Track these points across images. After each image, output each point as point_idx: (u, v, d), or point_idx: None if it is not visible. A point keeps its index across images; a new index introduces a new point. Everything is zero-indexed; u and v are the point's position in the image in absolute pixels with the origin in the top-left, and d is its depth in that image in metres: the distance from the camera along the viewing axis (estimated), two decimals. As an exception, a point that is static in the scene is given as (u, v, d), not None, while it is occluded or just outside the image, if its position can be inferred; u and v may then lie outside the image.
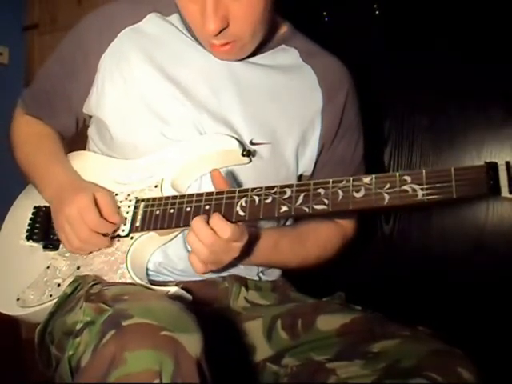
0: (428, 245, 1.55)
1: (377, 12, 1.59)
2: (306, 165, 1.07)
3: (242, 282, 1.01)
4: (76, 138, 1.18)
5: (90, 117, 1.10)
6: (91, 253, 0.95)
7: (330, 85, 1.07)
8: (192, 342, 0.64)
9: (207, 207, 0.88)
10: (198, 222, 0.84)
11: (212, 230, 0.84)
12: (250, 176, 1.00)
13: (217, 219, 0.84)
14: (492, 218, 1.48)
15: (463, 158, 1.50)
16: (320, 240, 1.07)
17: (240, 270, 1.02)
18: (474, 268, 1.47)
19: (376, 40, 1.59)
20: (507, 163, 0.71)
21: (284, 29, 1.08)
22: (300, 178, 1.09)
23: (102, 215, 0.91)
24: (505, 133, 1.45)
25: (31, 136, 1.11)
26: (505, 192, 0.71)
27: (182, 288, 0.88)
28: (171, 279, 0.97)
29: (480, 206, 1.49)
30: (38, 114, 1.13)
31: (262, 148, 1.00)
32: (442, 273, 1.52)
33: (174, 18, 1.04)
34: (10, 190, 1.17)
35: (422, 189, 0.74)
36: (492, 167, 0.71)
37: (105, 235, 0.92)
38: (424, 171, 0.75)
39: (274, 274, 1.09)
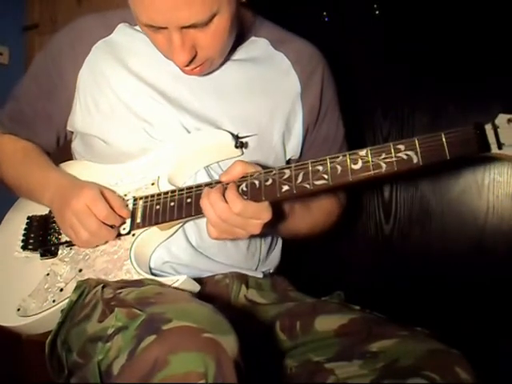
0: (428, 245, 1.55)
1: (377, 12, 1.59)
2: (294, 149, 1.09)
3: (243, 279, 1.01)
4: (59, 155, 1.16)
5: (72, 132, 1.10)
6: (97, 246, 0.95)
7: (304, 68, 1.09)
8: (230, 344, 0.65)
9: None
10: (213, 194, 0.85)
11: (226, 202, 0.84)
12: None
13: (231, 193, 0.85)
14: (492, 218, 1.48)
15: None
16: (323, 207, 1.11)
17: (241, 264, 1.02)
18: (473, 268, 1.48)
19: (376, 40, 1.59)
20: (493, 123, 0.76)
21: (251, 19, 1.08)
22: (288, 162, 1.10)
23: (110, 207, 0.93)
24: (505, 133, 1.45)
25: (16, 151, 1.09)
26: (494, 148, 0.76)
27: None
28: None
29: (480, 206, 1.49)
30: (17, 134, 1.11)
31: (249, 140, 1.01)
32: (442, 273, 1.52)
33: None
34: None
35: (416, 153, 0.78)
36: (479, 127, 0.77)
37: (112, 227, 0.93)
38: (416, 138, 0.79)
39: (273, 264, 1.10)
